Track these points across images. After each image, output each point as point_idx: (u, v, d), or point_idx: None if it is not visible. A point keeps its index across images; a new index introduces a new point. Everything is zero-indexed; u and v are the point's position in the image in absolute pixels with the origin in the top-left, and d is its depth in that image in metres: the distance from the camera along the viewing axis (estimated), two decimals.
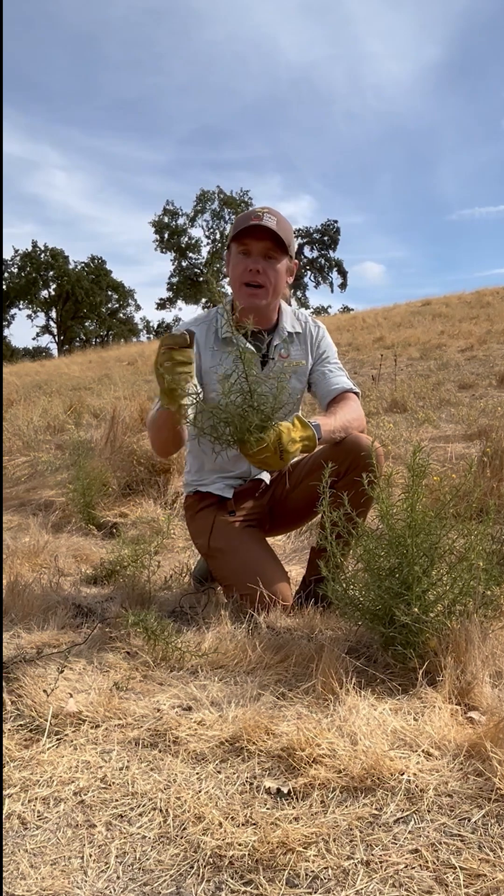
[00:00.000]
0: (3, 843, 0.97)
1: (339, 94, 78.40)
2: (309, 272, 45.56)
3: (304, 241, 44.87)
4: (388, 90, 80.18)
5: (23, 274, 45.20)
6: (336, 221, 46.10)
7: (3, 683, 1.39)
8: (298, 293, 44.77)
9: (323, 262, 45.92)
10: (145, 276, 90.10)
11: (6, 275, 44.01)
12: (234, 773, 1.10)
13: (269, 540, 2.11)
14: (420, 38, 77.40)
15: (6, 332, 46.36)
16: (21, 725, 1.26)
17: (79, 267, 47.58)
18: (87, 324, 48.66)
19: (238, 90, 78.34)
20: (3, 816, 1.03)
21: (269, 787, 1.06)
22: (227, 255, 1.97)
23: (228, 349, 1.90)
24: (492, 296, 15.32)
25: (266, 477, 2.06)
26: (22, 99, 75.21)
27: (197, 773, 1.11)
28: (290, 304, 2.09)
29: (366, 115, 79.64)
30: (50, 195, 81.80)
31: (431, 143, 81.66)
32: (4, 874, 0.90)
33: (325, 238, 45.86)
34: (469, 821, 0.97)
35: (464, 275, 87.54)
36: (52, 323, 47.11)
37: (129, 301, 50.91)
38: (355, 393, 2.00)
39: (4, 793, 1.08)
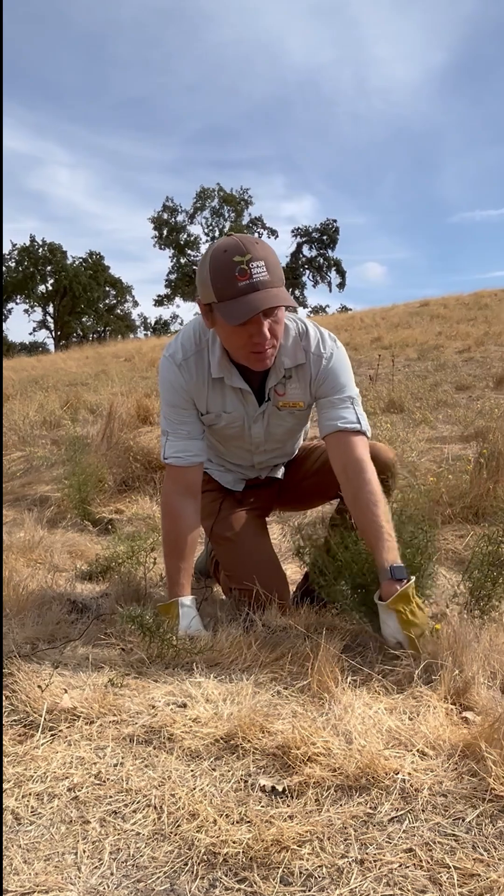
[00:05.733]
0: None
1: (344, 96, 78.71)
2: (307, 271, 45.53)
3: (303, 239, 44.85)
4: (393, 93, 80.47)
5: (20, 268, 45.08)
6: (335, 221, 46.09)
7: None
8: (297, 292, 44.76)
9: (321, 261, 45.91)
10: (146, 272, 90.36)
11: (3, 269, 43.86)
12: (229, 771, 1.10)
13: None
14: (427, 42, 77.76)
15: (3, 325, 46.18)
16: (15, 721, 1.26)
17: (77, 262, 47.48)
18: (84, 319, 48.57)
19: (244, 91, 78.56)
20: None
21: (264, 785, 1.06)
22: (202, 306, 1.56)
23: (222, 388, 1.72)
24: (490, 297, 15.34)
25: (280, 474, 2.03)
26: (31, 97, 75.28)
27: (191, 771, 1.10)
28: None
29: (371, 118, 79.96)
30: (53, 191, 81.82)
31: (435, 146, 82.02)
32: None
33: (324, 237, 45.84)
34: (463, 820, 0.97)
35: (463, 277, 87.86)
36: (49, 318, 47.03)
37: (127, 297, 50.88)
38: (355, 431, 1.67)
39: None
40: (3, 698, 1.33)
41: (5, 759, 1.14)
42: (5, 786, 1.08)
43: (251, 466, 1.96)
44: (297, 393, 1.74)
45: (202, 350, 1.69)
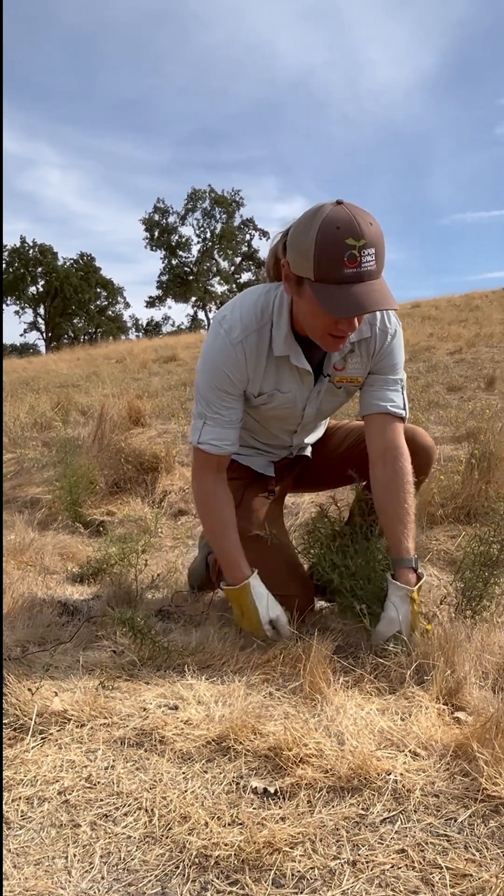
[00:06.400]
0: None
1: (336, 98, 79.25)
2: None
3: None
4: (384, 96, 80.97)
5: (10, 270, 44.90)
6: None
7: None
8: None
9: None
10: (138, 273, 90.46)
11: (2, 267, 43.70)
12: (221, 773, 1.10)
13: None
14: (417, 45, 78.35)
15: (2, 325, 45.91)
16: (5, 724, 1.25)
17: (67, 263, 47.38)
18: (75, 321, 48.45)
19: (236, 93, 78.82)
20: None
21: (256, 787, 1.05)
22: (289, 273, 1.44)
23: (279, 366, 1.61)
24: (481, 299, 15.39)
25: (309, 452, 1.94)
26: (22, 98, 75.07)
27: (183, 773, 1.10)
28: None
29: (362, 120, 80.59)
30: (44, 193, 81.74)
31: (426, 149, 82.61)
32: None
33: None
34: (455, 821, 0.97)
35: (455, 278, 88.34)
36: (39, 319, 46.89)
37: (118, 298, 50.80)
38: (401, 417, 1.66)
39: None
40: None
41: None
42: None
43: (287, 447, 1.85)
44: (357, 368, 1.64)
45: (264, 326, 1.55)
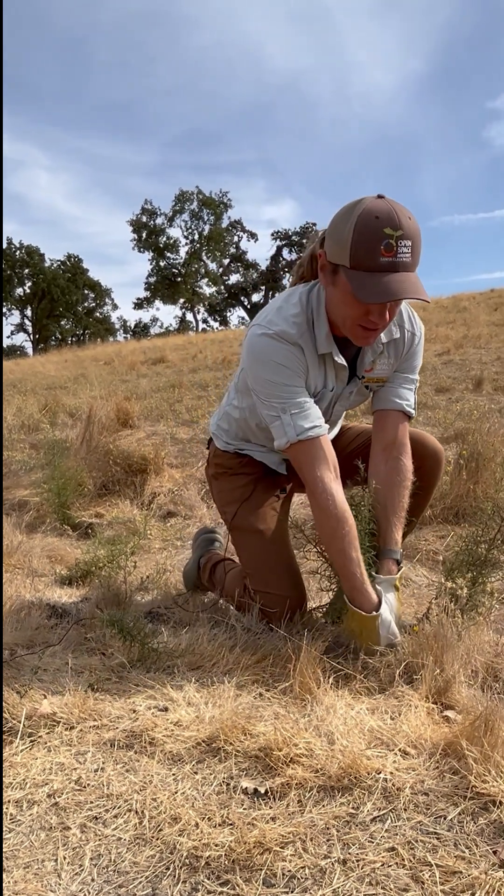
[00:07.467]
0: None
1: (324, 101, 79.60)
2: (287, 274, 45.60)
3: (283, 243, 45.03)
4: (372, 98, 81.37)
5: None
6: (315, 224, 46.28)
7: None
8: (276, 295, 44.83)
9: None
10: (127, 275, 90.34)
11: (3, 267, 43.38)
12: (211, 774, 1.09)
13: None
14: (404, 48, 78.74)
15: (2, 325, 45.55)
16: None
17: (55, 265, 47.19)
18: (62, 322, 48.25)
19: (226, 95, 78.92)
20: None
21: (246, 788, 1.05)
22: (324, 262, 1.46)
23: (324, 364, 1.60)
24: (468, 301, 15.47)
25: None
26: (11, 99, 74.54)
27: (173, 774, 1.10)
28: None
29: (351, 123, 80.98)
30: (33, 194, 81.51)
31: (414, 151, 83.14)
32: None
33: (304, 240, 46.01)
34: (445, 818, 0.98)
35: (443, 280, 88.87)
36: (27, 321, 46.66)
37: (106, 300, 50.67)
38: (410, 416, 1.70)
39: None
40: None
41: None
42: None
43: None
44: (384, 368, 1.67)
45: (310, 325, 1.55)
